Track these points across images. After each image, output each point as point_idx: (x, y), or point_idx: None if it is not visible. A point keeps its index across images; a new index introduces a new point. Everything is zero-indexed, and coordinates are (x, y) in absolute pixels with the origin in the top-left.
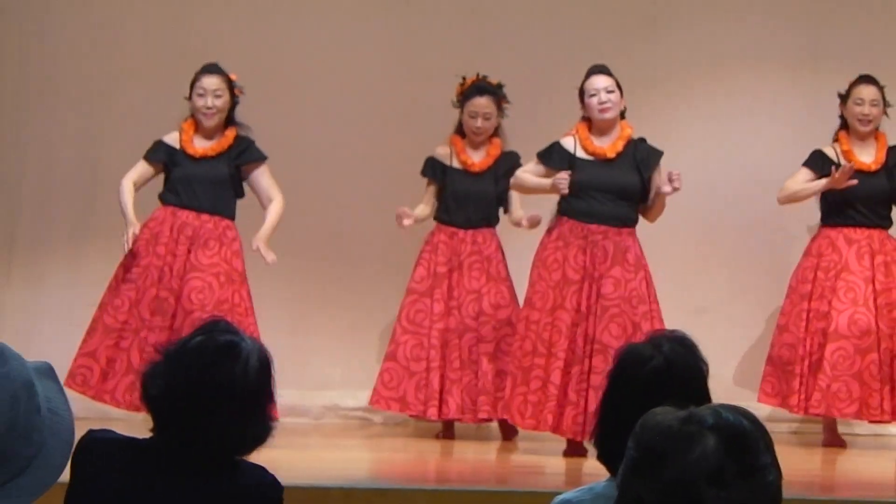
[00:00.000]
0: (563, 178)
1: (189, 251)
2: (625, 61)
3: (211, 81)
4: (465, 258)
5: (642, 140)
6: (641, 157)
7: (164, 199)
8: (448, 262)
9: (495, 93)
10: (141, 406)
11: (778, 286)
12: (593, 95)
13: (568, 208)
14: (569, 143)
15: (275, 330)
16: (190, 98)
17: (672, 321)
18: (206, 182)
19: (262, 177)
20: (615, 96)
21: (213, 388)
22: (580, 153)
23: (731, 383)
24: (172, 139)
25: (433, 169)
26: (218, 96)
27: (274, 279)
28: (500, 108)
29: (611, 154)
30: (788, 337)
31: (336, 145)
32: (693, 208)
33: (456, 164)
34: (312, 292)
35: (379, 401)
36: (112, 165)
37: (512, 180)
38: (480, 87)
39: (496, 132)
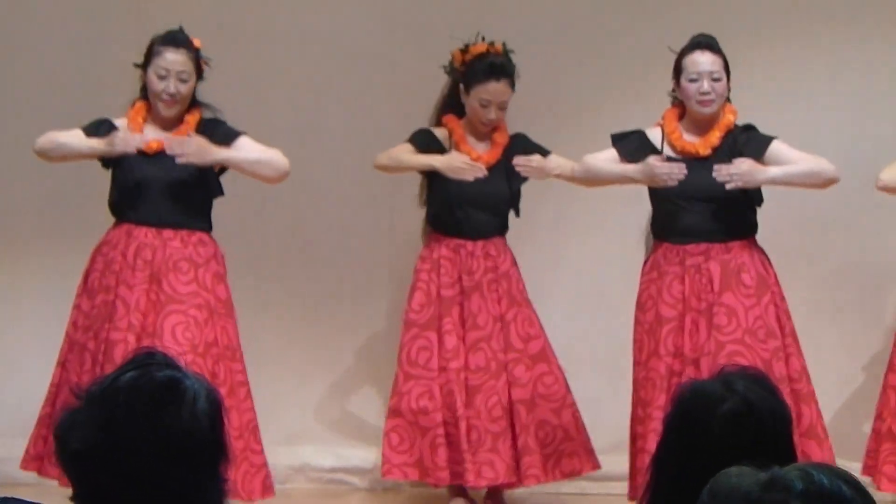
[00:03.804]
0: (674, 168)
1: (152, 280)
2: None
3: (176, 60)
4: (482, 276)
5: (748, 127)
6: (742, 149)
7: (116, 212)
8: (457, 282)
9: (513, 73)
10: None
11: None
12: (694, 80)
13: (661, 228)
14: (656, 135)
15: None
16: (144, 71)
17: None
18: (165, 186)
19: (244, 148)
20: (721, 85)
21: (154, 439)
22: (668, 150)
23: None
24: (120, 126)
25: (428, 146)
26: (183, 80)
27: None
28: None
29: (704, 151)
30: None
31: (315, 129)
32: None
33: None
34: (271, 316)
35: (392, 470)
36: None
37: (579, 168)
38: (496, 66)
39: None
